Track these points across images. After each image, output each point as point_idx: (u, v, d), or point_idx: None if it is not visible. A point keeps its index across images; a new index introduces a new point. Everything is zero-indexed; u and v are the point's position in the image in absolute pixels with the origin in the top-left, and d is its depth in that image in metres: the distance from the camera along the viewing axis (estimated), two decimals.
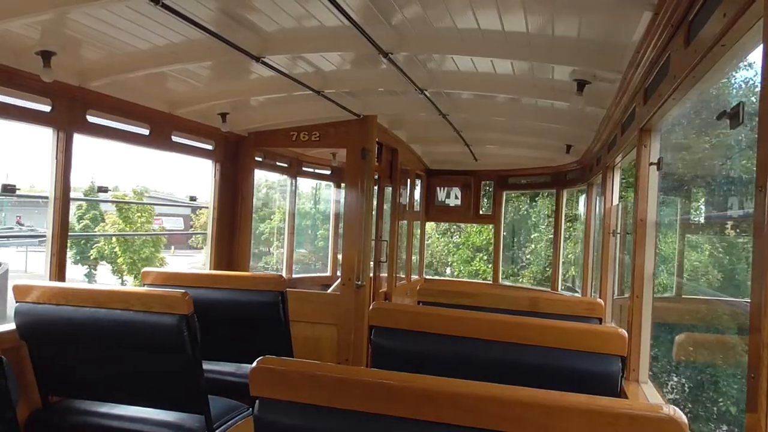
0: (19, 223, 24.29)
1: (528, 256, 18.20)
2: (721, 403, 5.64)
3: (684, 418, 1.46)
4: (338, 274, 7.16)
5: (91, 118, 4.35)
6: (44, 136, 4.04)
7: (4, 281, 13.73)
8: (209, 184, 6.10)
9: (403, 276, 8.40)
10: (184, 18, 3.20)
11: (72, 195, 4.20)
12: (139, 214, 23.51)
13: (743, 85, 6.72)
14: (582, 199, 9.05)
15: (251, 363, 1.85)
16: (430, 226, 16.36)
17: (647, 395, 3.44)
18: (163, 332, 3.21)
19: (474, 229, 19.22)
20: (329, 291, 6.97)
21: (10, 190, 4.10)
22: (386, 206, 7.60)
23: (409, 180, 8.23)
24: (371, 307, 3.07)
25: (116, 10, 3.23)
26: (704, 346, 5.38)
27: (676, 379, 5.97)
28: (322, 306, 6.04)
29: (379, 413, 1.69)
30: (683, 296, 6.47)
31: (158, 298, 3.27)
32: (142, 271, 4.82)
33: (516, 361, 2.72)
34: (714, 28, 2.07)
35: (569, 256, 11.80)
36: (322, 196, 14.56)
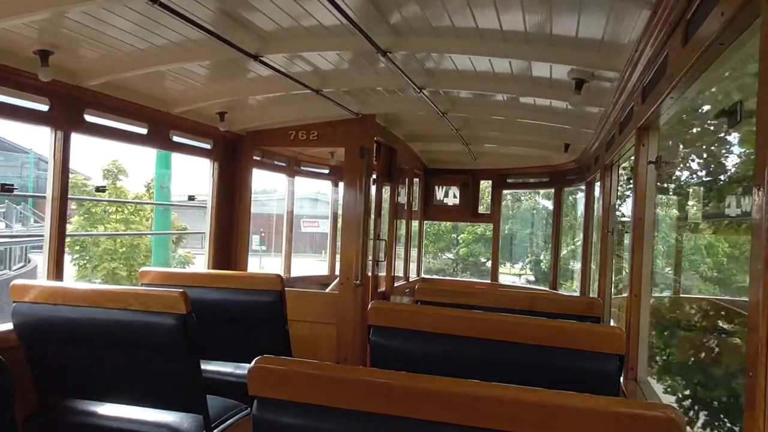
0: None
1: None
2: None
3: (682, 417, 1.46)
4: (337, 273, 7.16)
5: (89, 118, 4.34)
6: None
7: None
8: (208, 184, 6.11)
9: (402, 275, 8.40)
10: (181, 17, 3.19)
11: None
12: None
13: None
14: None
15: (249, 362, 1.85)
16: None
17: (645, 394, 3.44)
18: (162, 332, 3.20)
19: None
20: (327, 290, 6.97)
21: (7, 190, 4.09)
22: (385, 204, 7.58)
23: (407, 179, 8.23)
24: (370, 306, 3.06)
25: (114, 10, 3.22)
26: None
27: None
28: (320, 305, 6.04)
29: (378, 412, 1.69)
30: None
31: (156, 298, 3.26)
32: (140, 270, 4.82)
33: (514, 360, 2.71)
34: (712, 26, 2.07)
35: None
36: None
